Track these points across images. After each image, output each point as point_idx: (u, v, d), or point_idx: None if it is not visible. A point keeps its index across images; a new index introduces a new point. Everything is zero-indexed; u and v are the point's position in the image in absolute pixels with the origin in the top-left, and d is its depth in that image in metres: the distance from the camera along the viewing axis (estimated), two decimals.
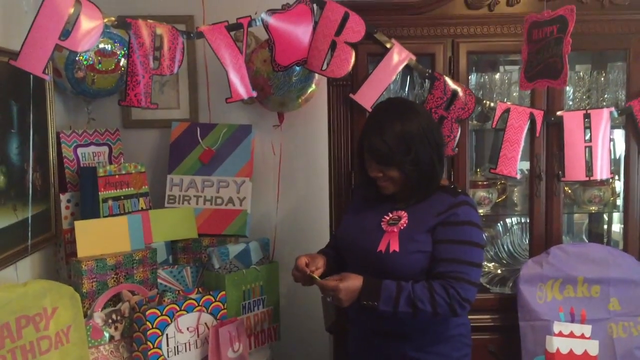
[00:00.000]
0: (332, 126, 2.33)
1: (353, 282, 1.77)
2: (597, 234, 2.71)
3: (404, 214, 1.86)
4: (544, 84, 1.87)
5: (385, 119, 1.82)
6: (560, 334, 2.16)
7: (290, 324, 2.63)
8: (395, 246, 1.81)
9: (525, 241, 2.60)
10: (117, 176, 2.41)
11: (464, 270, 1.76)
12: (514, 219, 2.66)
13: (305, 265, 1.91)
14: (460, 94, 2.25)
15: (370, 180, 1.90)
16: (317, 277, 1.86)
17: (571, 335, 2.16)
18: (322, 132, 2.61)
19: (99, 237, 2.27)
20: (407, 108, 1.86)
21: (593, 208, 2.43)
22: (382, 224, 1.87)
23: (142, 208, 2.50)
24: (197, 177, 2.65)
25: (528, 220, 2.57)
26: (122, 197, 2.43)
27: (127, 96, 2.00)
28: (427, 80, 2.34)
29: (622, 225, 2.34)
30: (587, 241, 2.62)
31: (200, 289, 2.34)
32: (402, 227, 1.83)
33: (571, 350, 2.15)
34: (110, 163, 2.59)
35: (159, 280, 2.37)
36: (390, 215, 1.88)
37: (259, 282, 2.40)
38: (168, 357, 2.11)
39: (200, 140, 2.66)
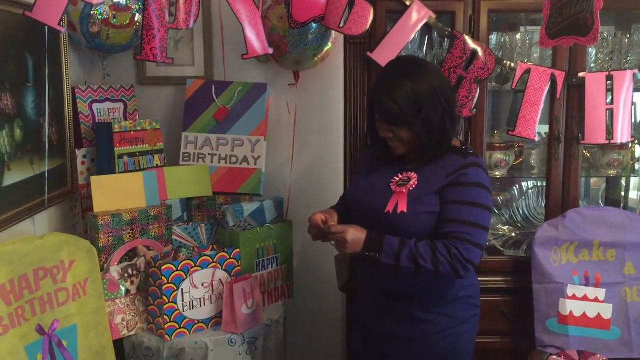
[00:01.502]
0: (349, 86, 2.30)
1: (360, 232, 1.78)
2: (613, 199, 2.68)
3: (413, 175, 1.84)
4: (570, 41, 1.82)
5: (396, 78, 1.79)
6: (574, 297, 2.16)
7: (303, 283, 2.65)
8: (403, 207, 1.80)
9: (541, 205, 2.58)
10: (132, 132, 2.41)
11: (468, 232, 1.74)
12: (530, 183, 2.63)
13: (322, 222, 1.90)
14: (480, 53, 2.21)
15: (381, 140, 1.88)
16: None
17: (585, 298, 2.17)
18: (338, 91, 2.60)
19: (115, 193, 2.28)
20: (419, 67, 1.82)
21: (612, 172, 2.40)
22: (391, 184, 1.86)
23: (157, 165, 2.50)
24: (212, 135, 2.64)
25: (545, 184, 2.55)
26: (138, 154, 2.43)
27: (143, 50, 1.98)
28: (446, 40, 2.29)
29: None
30: (603, 206, 2.60)
31: (215, 246, 2.36)
32: (411, 188, 1.82)
33: (584, 313, 2.16)
34: (126, 119, 2.59)
35: (174, 237, 2.39)
36: (400, 177, 1.86)
37: (272, 241, 2.41)
38: (183, 311, 2.14)
39: (215, 98, 2.64)
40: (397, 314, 1.89)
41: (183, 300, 2.14)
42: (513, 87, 2.22)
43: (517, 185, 2.64)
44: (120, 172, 2.36)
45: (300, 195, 2.74)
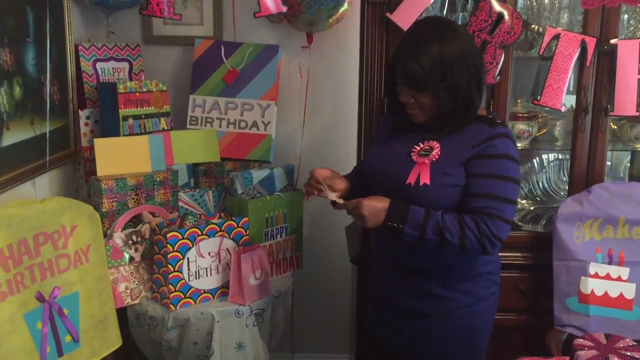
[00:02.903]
0: (366, 49, 2.18)
1: (378, 202, 1.68)
2: (636, 175, 2.56)
3: (436, 144, 1.73)
4: (615, 2, 1.69)
5: (422, 39, 1.67)
6: (596, 275, 2.08)
7: (312, 253, 2.57)
8: (425, 179, 1.70)
9: (563, 179, 2.48)
10: (137, 94, 2.31)
11: (497, 207, 1.65)
12: (551, 155, 2.53)
13: (324, 179, 1.82)
14: (507, 17, 2.08)
15: (401, 106, 1.77)
16: (335, 194, 1.78)
17: (607, 277, 2.08)
18: (354, 55, 2.48)
19: (119, 156, 2.19)
20: (446, 28, 1.69)
21: (639, 145, 2.29)
22: (412, 154, 1.75)
23: (163, 128, 2.40)
24: (221, 98, 2.53)
25: (567, 157, 2.45)
26: (143, 116, 2.33)
27: (149, 4, 1.86)
28: (470, 1, 2.17)
29: None
30: (629, 182, 2.48)
31: (222, 214, 2.27)
32: (434, 159, 1.71)
33: (606, 292, 2.08)
34: (131, 80, 2.48)
35: (180, 204, 2.30)
36: (422, 146, 1.75)
37: (282, 210, 2.32)
38: (189, 280, 2.07)
39: (224, 60, 2.53)
40: (414, 290, 1.80)
41: (189, 270, 2.06)
42: (540, 54, 2.10)
43: (537, 158, 2.54)
44: (124, 135, 2.26)
45: (312, 163, 2.63)
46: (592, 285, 2.07)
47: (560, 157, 2.50)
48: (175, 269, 2.04)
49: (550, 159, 2.51)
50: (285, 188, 2.35)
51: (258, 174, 2.28)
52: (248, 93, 2.52)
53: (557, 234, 2.10)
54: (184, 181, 2.41)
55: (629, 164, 2.57)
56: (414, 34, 1.70)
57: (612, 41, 2.08)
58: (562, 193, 2.48)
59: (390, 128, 1.88)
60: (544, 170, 2.49)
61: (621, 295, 2.07)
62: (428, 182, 1.69)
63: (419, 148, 1.75)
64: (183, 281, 2.05)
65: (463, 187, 1.69)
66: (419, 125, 1.78)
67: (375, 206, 1.67)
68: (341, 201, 1.77)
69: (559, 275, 2.10)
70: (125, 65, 2.47)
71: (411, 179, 1.71)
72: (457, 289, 1.78)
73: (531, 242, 2.25)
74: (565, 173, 2.47)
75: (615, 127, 2.33)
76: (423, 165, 1.71)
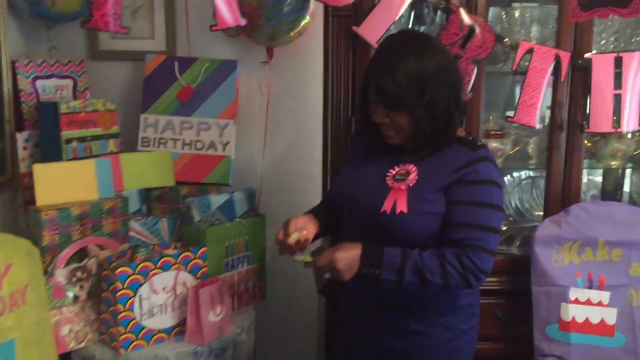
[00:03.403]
0: (332, 64, 2.05)
1: (350, 251, 1.53)
2: (609, 192, 2.49)
3: (413, 168, 1.60)
4: (606, 14, 1.60)
5: (398, 55, 1.54)
6: (577, 301, 1.98)
7: (277, 282, 2.40)
8: (402, 206, 1.56)
9: (536, 197, 2.39)
10: (82, 114, 2.11)
11: (481, 237, 1.52)
12: (523, 173, 2.44)
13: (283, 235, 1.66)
14: (478, 30, 1.98)
15: (374, 126, 1.63)
16: (305, 256, 1.61)
17: (588, 302, 1.99)
18: (317, 70, 2.36)
19: (62, 183, 1.99)
20: (424, 42, 1.57)
21: (614, 163, 2.21)
22: (387, 179, 1.62)
23: (111, 151, 2.21)
24: (175, 117, 2.36)
25: (538, 175, 2.36)
26: (89, 138, 2.14)
27: (92, 17, 1.69)
28: (438, 14, 2.06)
29: None
30: (600, 200, 2.41)
31: (178, 243, 2.09)
32: (410, 184, 1.58)
33: (587, 318, 1.98)
34: (75, 98, 2.28)
35: (131, 233, 2.11)
36: (397, 169, 1.62)
37: (243, 237, 2.15)
38: (141, 320, 1.87)
39: (178, 76, 2.36)
40: (390, 325, 1.66)
41: (141, 308, 1.87)
42: (514, 68, 2.01)
43: (508, 176, 2.44)
44: (68, 159, 2.06)
45: (274, 185, 2.49)
46: (572, 312, 1.97)
47: (532, 175, 2.41)
48: (126, 308, 1.84)
49: (523, 177, 2.42)
50: (247, 213, 2.19)
51: (217, 199, 2.11)
52: (205, 111, 2.35)
53: (535, 258, 2.00)
54: (135, 208, 2.22)
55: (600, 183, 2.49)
56: (389, 49, 1.57)
57: (587, 55, 2.01)
58: (535, 212, 2.39)
59: (362, 150, 1.75)
60: (516, 189, 2.40)
61: (602, 321, 1.98)
62: (405, 210, 1.55)
63: (394, 172, 1.62)
64: (134, 321, 1.86)
65: (443, 215, 1.56)
66: (393, 147, 1.65)
67: (348, 256, 1.52)
68: (310, 258, 1.60)
69: (538, 301, 1.99)
70: (69, 82, 2.27)
71: (387, 207, 1.57)
72: (437, 323, 1.64)
73: (507, 266, 2.15)
74: (538, 192, 2.38)
75: (589, 144, 2.25)
76: (399, 192, 1.58)
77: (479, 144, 1.63)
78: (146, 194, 2.27)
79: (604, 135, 2.18)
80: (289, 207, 2.45)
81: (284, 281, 2.42)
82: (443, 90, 1.54)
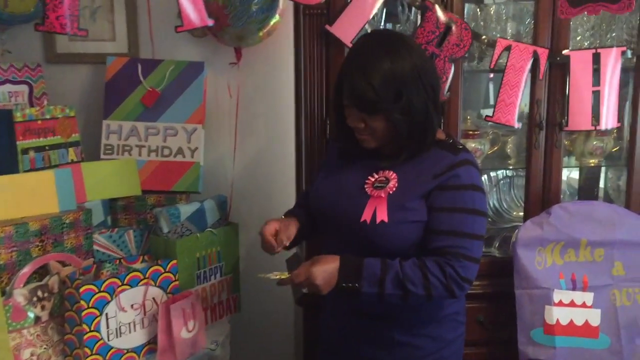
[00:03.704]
0: (304, 64, 1.96)
1: (328, 264, 1.46)
2: (586, 190, 2.46)
3: (392, 174, 1.54)
4: (597, 10, 1.55)
5: (371, 57, 1.46)
6: (561, 303, 1.94)
7: (251, 293, 2.31)
8: (383, 215, 1.49)
9: (514, 197, 2.35)
10: (39, 122, 1.98)
11: (464, 245, 1.46)
12: (500, 173, 2.39)
13: (275, 233, 1.58)
14: (454, 28, 1.92)
15: (349, 131, 1.56)
16: (280, 273, 1.54)
17: (572, 304, 1.95)
18: (288, 71, 2.28)
19: (19, 197, 1.85)
20: (398, 43, 1.50)
21: (592, 161, 2.18)
22: (365, 187, 1.55)
23: (72, 160, 2.09)
24: (140, 123, 2.24)
25: (516, 174, 2.32)
26: (47, 148, 2.01)
27: (47, 19, 1.56)
28: (413, 12, 1.99)
29: (624, 181, 2.10)
30: (576, 199, 2.38)
31: (146, 256, 1.97)
32: (390, 192, 1.51)
33: (571, 320, 1.94)
34: (32, 105, 2.15)
35: (96, 247, 1.99)
36: (376, 177, 1.55)
37: (215, 248, 2.05)
38: (109, 340, 1.76)
39: (142, 79, 2.24)
40: (373, 337, 1.59)
41: (108, 328, 1.76)
42: (491, 66, 1.95)
43: (485, 176, 2.39)
44: (25, 171, 1.94)
45: (245, 191, 2.39)
46: (557, 314, 1.92)
47: (510, 174, 2.36)
48: (92, 328, 1.72)
49: (500, 177, 2.38)
50: (218, 222, 2.09)
51: (186, 209, 2.00)
52: (171, 116, 2.24)
53: (518, 261, 1.95)
54: (100, 220, 2.10)
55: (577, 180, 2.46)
56: (362, 50, 1.50)
57: (565, 52, 1.96)
58: (514, 213, 2.35)
59: (338, 155, 1.67)
60: (494, 189, 2.35)
61: (586, 322, 1.94)
62: (386, 219, 1.48)
63: (373, 179, 1.55)
64: (101, 342, 1.74)
65: (425, 222, 1.49)
66: (371, 153, 1.57)
67: (326, 269, 1.45)
68: (284, 275, 1.52)
69: (522, 305, 1.94)
70: (24, 88, 2.14)
71: (366, 216, 1.50)
72: (422, 334, 1.58)
73: (488, 268, 2.09)
74: (516, 191, 2.34)
75: (567, 142, 2.21)
76: (379, 200, 1.51)
77: (460, 147, 1.57)
78: (111, 205, 2.15)
79: (583, 133, 2.15)
80: (262, 213, 2.36)
81: (259, 291, 2.33)
82: (420, 92, 1.47)
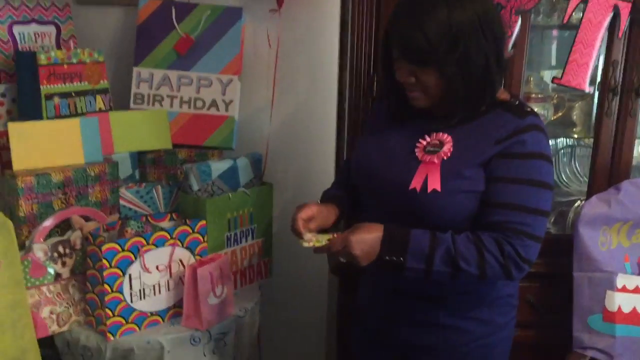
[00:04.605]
0: (352, 13, 1.77)
1: (369, 233, 1.30)
2: None
3: (447, 137, 1.36)
4: None
5: (425, 2, 1.27)
6: (624, 289, 1.76)
7: (284, 258, 2.17)
8: (435, 183, 1.32)
9: (575, 169, 2.14)
10: (65, 66, 1.85)
11: (526, 221, 1.29)
12: (560, 141, 2.18)
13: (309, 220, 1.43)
14: None
15: (398, 88, 1.38)
16: (315, 239, 1.37)
17: (636, 290, 1.76)
18: (332, 20, 2.08)
19: (42, 145, 1.75)
20: None
21: None
22: (416, 150, 1.37)
23: (99, 109, 1.96)
24: (172, 71, 2.10)
25: (578, 144, 2.11)
26: (73, 94, 1.88)
27: None
28: None
29: None
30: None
31: (174, 214, 1.85)
32: (445, 157, 1.34)
33: (634, 308, 1.76)
34: (59, 48, 2.02)
35: (122, 202, 1.88)
36: (428, 140, 1.37)
37: (248, 209, 1.92)
38: (131, 302, 1.66)
39: (175, 25, 2.08)
40: (416, 318, 1.44)
41: (131, 289, 1.65)
42: (564, 21, 1.73)
43: None
44: (49, 118, 1.82)
45: (281, 150, 2.23)
46: (619, 301, 1.74)
47: (571, 143, 2.15)
48: (114, 289, 1.62)
49: (560, 146, 2.17)
50: (251, 182, 1.95)
51: (218, 166, 1.86)
52: (205, 66, 2.09)
53: (580, 240, 1.76)
54: (127, 174, 1.98)
55: None
56: None
57: None
58: (573, 186, 2.15)
59: (385, 115, 1.50)
60: (554, 159, 2.15)
61: None
62: (438, 188, 1.31)
63: (424, 143, 1.37)
64: (124, 303, 1.64)
65: (482, 193, 1.32)
66: (422, 113, 1.40)
67: (367, 239, 1.29)
68: (320, 242, 1.36)
69: (580, 289, 1.77)
70: (52, 29, 2.00)
71: (416, 184, 1.33)
72: (470, 317, 1.43)
73: (542, 245, 1.90)
74: (578, 163, 2.14)
75: None
76: (431, 166, 1.33)
77: (528, 109, 1.37)
78: (139, 158, 2.03)
79: None
80: (299, 175, 2.23)
81: (292, 256, 2.19)
82: (480, 44, 1.28)
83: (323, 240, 1.35)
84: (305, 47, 2.18)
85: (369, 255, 1.29)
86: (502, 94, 1.40)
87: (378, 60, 1.76)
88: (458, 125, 1.36)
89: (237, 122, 2.11)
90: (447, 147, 1.35)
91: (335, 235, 1.35)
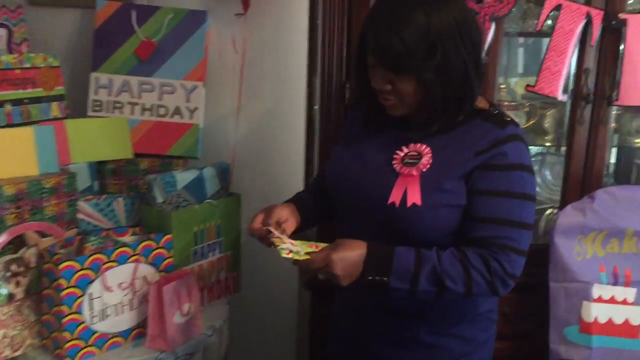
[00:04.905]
0: (323, 17, 1.72)
1: (352, 250, 1.23)
2: (622, 172, 2.25)
3: (425, 148, 1.31)
4: None
5: (403, 6, 1.22)
6: (600, 299, 1.75)
7: (253, 271, 2.09)
8: (415, 197, 1.26)
9: (545, 177, 2.13)
10: (17, 71, 1.74)
11: (511, 236, 1.25)
12: (531, 149, 2.17)
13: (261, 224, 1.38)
14: None
15: (373, 95, 1.33)
16: (298, 253, 1.27)
17: (612, 300, 1.75)
18: (302, 23, 2.01)
19: None
20: None
21: (638, 141, 1.96)
22: (393, 162, 1.32)
23: (55, 117, 1.86)
24: (132, 77, 2.00)
25: (548, 152, 2.10)
26: (26, 101, 1.78)
27: None
28: None
29: None
30: (612, 182, 2.17)
31: (136, 228, 1.76)
32: (424, 169, 1.29)
33: (610, 319, 1.75)
34: (11, 52, 1.90)
35: (80, 216, 1.77)
36: (406, 151, 1.32)
37: (215, 221, 1.83)
38: (92, 323, 1.55)
39: (136, 28, 1.99)
40: (396, 336, 1.39)
41: (92, 309, 1.55)
42: (538, 28, 1.71)
43: None
44: (0, 126, 1.70)
45: (249, 159, 2.15)
46: (595, 312, 1.73)
47: (542, 151, 2.14)
48: (73, 310, 1.51)
49: (531, 154, 2.15)
50: (218, 193, 1.87)
51: (183, 177, 1.78)
52: (168, 71, 2.00)
53: (555, 250, 1.74)
54: (85, 185, 1.87)
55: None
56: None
57: (621, 15, 1.72)
58: (543, 194, 2.14)
59: (360, 124, 1.44)
60: None
61: (626, 321, 1.76)
62: (419, 202, 1.26)
63: (402, 154, 1.32)
64: (84, 325, 1.54)
65: (465, 207, 1.27)
66: (398, 121, 1.34)
67: (349, 258, 1.22)
68: (300, 256, 1.27)
69: (556, 300, 1.75)
70: (2, 32, 1.89)
71: (395, 197, 1.27)
72: (452, 334, 1.38)
73: None
74: (547, 171, 2.13)
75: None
76: (410, 179, 1.28)
77: (507, 119, 1.34)
78: (98, 169, 1.92)
79: (632, 109, 1.92)
80: (267, 184, 2.15)
81: (261, 269, 2.11)
82: (459, 50, 1.24)
83: (302, 251, 1.27)
84: (273, 51, 2.12)
85: (351, 275, 1.22)
86: (481, 103, 1.36)
87: (350, 66, 1.71)
88: (436, 135, 1.31)
89: (202, 130, 2.03)
90: (426, 159, 1.30)
91: (316, 246, 1.28)
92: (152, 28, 2.00)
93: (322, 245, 1.27)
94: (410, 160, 1.31)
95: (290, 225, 1.41)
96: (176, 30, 2.01)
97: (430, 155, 1.30)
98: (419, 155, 1.31)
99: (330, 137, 1.74)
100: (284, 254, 1.28)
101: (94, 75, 1.99)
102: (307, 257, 1.24)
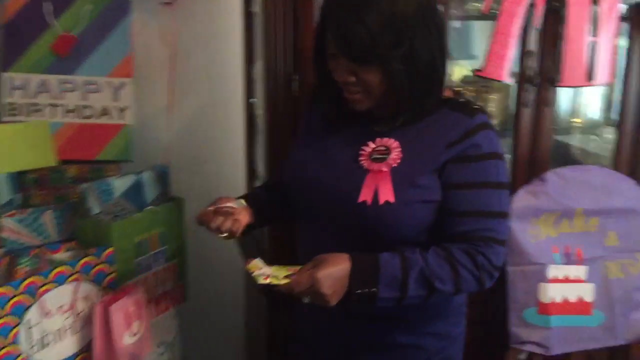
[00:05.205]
0: (264, 0, 1.60)
1: (335, 266, 1.12)
2: (566, 155, 2.29)
3: (393, 142, 1.24)
4: None
5: None
6: (555, 280, 1.77)
7: (199, 279, 1.96)
8: (387, 194, 1.19)
9: None
10: None
11: (492, 226, 1.21)
12: None
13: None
14: None
15: (335, 87, 1.25)
16: (277, 278, 1.15)
17: (566, 279, 1.78)
18: (237, 11, 1.89)
19: None
20: None
21: (577, 120, 2.00)
22: (361, 158, 1.25)
23: None
24: (51, 76, 1.81)
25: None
26: None
27: None
28: None
29: (614, 144, 1.94)
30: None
31: (71, 243, 1.59)
32: (394, 164, 1.22)
33: (565, 298, 1.77)
34: None
35: (4, 234, 1.58)
36: (373, 146, 1.25)
37: (158, 229, 1.69)
38: (31, 354, 1.38)
39: (52, 21, 1.79)
40: (370, 341, 1.32)
41: (30, 338, 1.38)
42: (485, 11, 1.69)
43: None
44: None
45: (185, 160, 1.99)
46: (551, 292, 1.75)
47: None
48: (9, 341, 1.34)
49: None
50: (158, 198, 1.72)
51: (120, 183, 1.62)
52: (91, 68, 1.82)
53: (511, 234, 1.74)
54: (6, 199, 1.67)
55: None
56: None
57: None
58: None
59: (320, 119, 1.35)
60: None
61: (580, 299, 1.79)
62: (392, 199, 1.19)
63: (369, 150, 1.25)
64: (22, 357, 1.36)
65: (441, 202, 1.22)
66: (362, 115, 1.27)
67: (334, 274, 1.11)
68: (283, 280, 1.14)
69: (514, 283, 1.75)
70: None
71: (366, 196, 1.20)
72: (428, 332, 1.33)
73: None
74: None
75: None
76: (381, 175, 1.21)
77: (475, 106, 1.29)
78: (20, 179, 1.72)
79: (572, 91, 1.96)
80: (206, 186, 2.01)
81: (209, 276, 1.99)
82: (426, 38, 1.18)
83: (280, 275, 1.16)
84: (205, 42, 1.97)
85: (339, 292, 1.12)
86: (446, 92, 1.31)
87: (297, 57, 1.61)
88: (403, 128, 1.25)
89: (133, 131, 1.87)
90: (396, 153, 1.23)
91: (293, 270, 1.17)
92: (71, 20, 1.81)
93: (299, 267, 1.16)
94: (378, 156, 1.24)
95: (243, 218, 1.32)
96: (97, 21, 1.83)
97: (399, 149, 1.24)
98: (388, 150, 1.24)
99: (277, 133, 1.64)
100: (262, 280, 1.16)
101: (5, 75, 1.78)
102: (287, 280, 1.13)
